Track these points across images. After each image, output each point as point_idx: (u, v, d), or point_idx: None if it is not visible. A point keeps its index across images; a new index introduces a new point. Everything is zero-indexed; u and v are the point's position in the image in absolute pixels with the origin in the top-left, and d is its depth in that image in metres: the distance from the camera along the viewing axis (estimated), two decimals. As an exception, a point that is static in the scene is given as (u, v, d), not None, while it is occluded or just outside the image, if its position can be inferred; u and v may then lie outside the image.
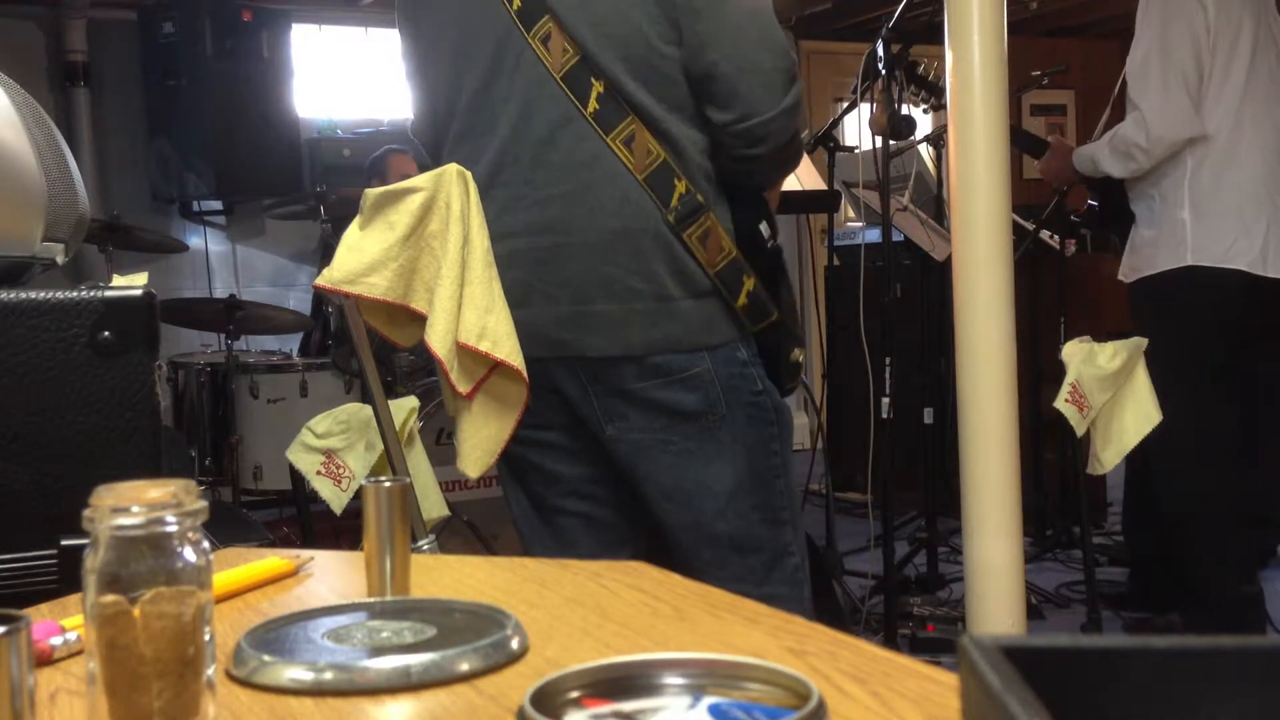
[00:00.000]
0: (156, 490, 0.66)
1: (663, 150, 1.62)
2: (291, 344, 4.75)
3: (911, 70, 3.14)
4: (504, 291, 1.66)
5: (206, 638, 0.67)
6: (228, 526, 2.99)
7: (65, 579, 1.12)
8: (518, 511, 1.87)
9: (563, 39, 1.62)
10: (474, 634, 0.81)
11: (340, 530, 3.34)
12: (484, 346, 1.60)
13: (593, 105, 1.62)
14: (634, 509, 1.81)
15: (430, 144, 1.88)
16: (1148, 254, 2.93)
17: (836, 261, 4.78)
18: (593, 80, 1.61)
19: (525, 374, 1.64)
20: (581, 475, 1.80)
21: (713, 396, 1.67)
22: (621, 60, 1.61)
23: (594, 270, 1.64)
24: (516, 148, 1.68)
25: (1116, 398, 2.55)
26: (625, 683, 0.68)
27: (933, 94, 3.27)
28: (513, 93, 1.67)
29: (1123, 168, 2.90)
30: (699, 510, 1.71)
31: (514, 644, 0.81)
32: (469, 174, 1.66)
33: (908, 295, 3.76)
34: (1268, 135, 2.86)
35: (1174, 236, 2.87)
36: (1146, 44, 2.83)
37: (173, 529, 0.66)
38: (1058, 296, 3.96)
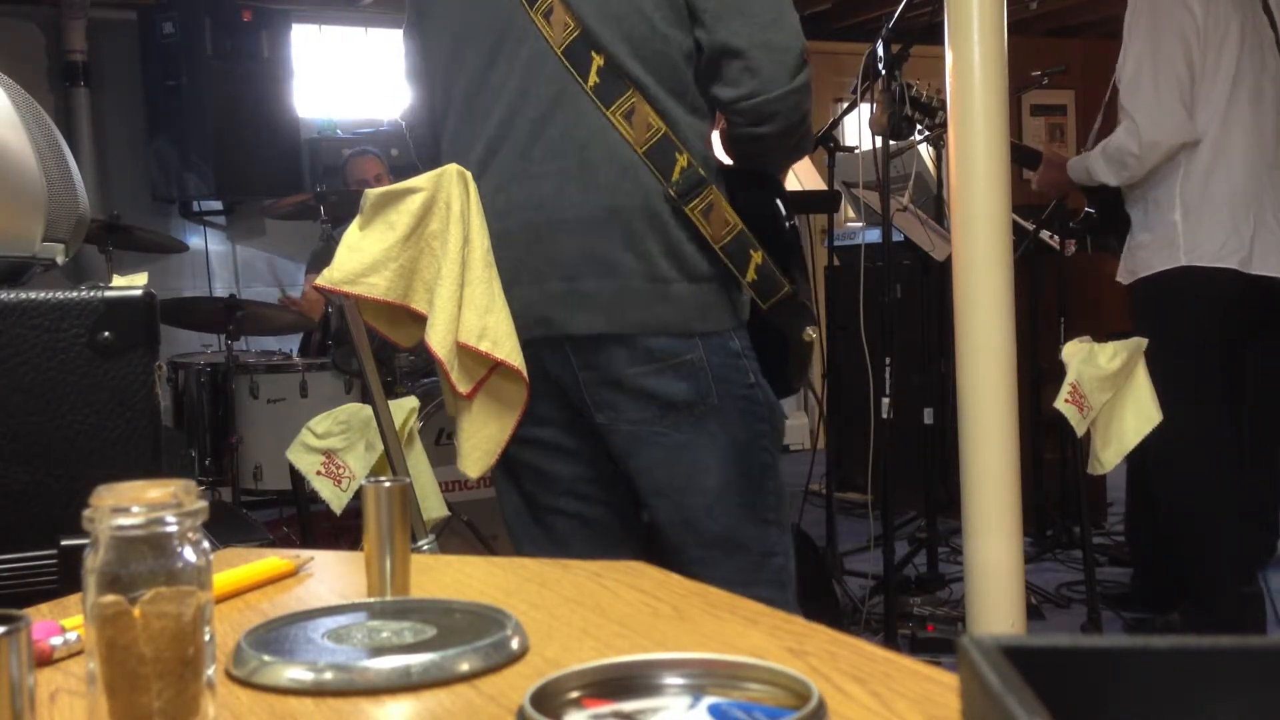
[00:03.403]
0: (156, 490, 0.66)
1: (663, 124, 1.61)
2: (291, 344, 4.75)
3: (904, 93, 3.13)
4: (497, 272, 1.65)
5: (206, 638, 0.67)
6: (228, 526, 2.99)
7: (65, 579, 1.12)
8: (509, 510, 1.85)
9: (564, 13, 1.62)
10: (474, 634, 0.81)
11: (340, 530, 3.35)
12: (484, 346, 1.60)
13: (593, 79, 1.61)
14: (629, 509, 1.80)
15: (427, 136, 1.87)
16: (1143, 257, 2.94)
17: (836, 261, 4.77)
18: (593, 54, 1.61)
19: (525, 374, 1.63)
20: (578, 475, 1.78)
21: (704, 386, 1.66)
22: (623, 40, 1.61)
23: (586, 247, 1.63)
24: (515, 124, 1.67)
25: (1116, 398, 2.55)
26: (625, 683, 0.68)
27: (927, 115, 3.27)
28: (513, 71, 1.67)
29: (1117, 176, 2.91)
30: (688, 507, 1.69)
31: (514, 644, 0.81)
32: (469, 174, 1.65)
33: (908, 295, 3.76)
34: (1253, 134, 2.87)
35: (1167, 238, 2.88)
36: (1138, 51, 2.84)
37: (173, 529, 0.66)
38: (1058, 296, 3.96)
